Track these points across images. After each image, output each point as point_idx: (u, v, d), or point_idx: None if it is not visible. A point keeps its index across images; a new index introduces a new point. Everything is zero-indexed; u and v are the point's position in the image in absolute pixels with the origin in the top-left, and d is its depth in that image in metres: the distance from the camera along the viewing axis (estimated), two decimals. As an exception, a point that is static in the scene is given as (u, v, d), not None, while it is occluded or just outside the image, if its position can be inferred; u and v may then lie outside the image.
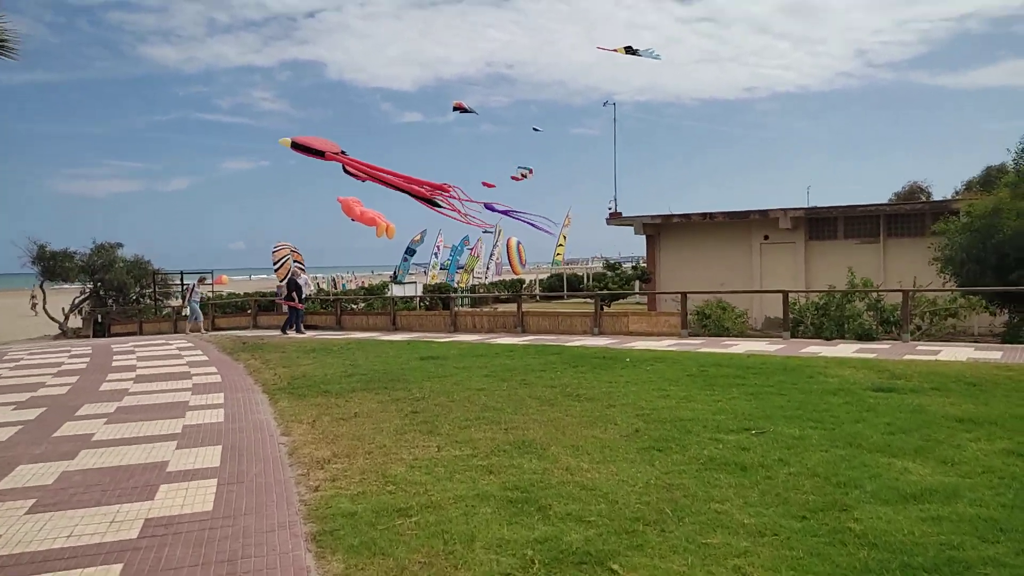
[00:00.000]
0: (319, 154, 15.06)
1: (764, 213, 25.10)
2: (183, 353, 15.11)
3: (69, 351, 16.72)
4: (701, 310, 15.69)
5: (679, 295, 15.56)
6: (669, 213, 27.22)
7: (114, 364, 13.66)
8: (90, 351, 16.59)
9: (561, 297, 45.85)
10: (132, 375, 12.01)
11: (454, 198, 16.20)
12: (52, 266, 30.28)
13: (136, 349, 16.39)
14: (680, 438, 6.42)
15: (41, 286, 31.01)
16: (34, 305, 30.60)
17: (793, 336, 14.52)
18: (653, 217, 27.33)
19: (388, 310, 20.36)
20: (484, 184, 20.72)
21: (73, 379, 11.77)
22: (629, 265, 28.94)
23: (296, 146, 15.10)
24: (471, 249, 50.96)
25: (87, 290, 31.86)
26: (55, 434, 7.62)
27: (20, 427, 8.02)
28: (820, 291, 16.00)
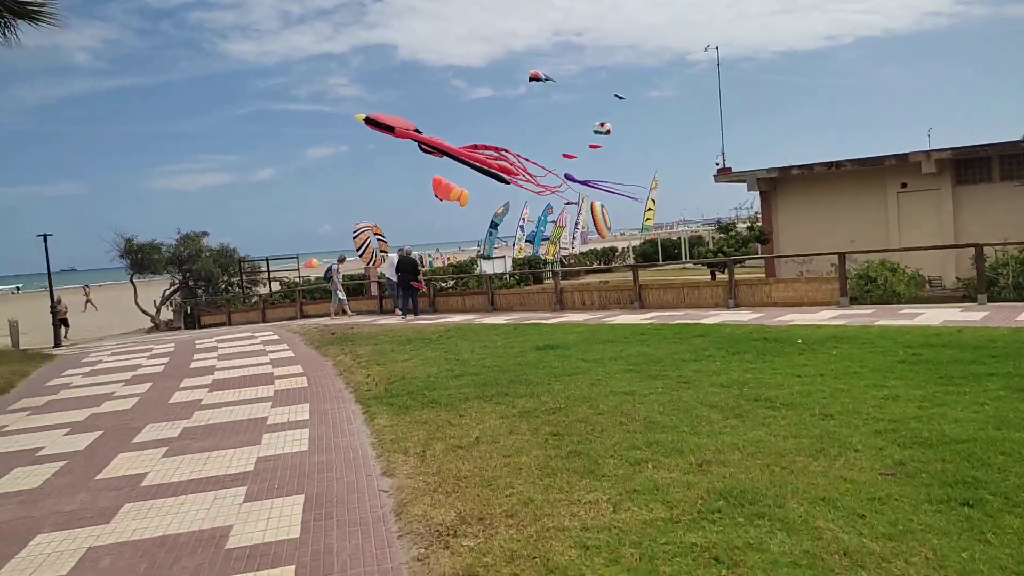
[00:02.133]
0: (389, 129, 13.54)
1: (902, 157, 21.82)
2: (267, 349, 13.60)
3: (151, 350, 15.54)
4: (863, 272, 13.06)
5: (835, 256, 12.94)
6: (787, 165, 24.22)
7: (192, 366, 12.23)
8: (172, 348, 15.35)
9: (657, 263, 43.13)
10: (209, 380, 10.47)
11: (518, 176, 14.32)
12: (140, 259, 29.82)
13: (219, 345, 15.03)
14: (989, 480, 4.14)
15: (132, 279, 30.68)
16: (87, 304, 30.25)
17: (990, 300, 11.76)
18: (769, 171, 24.39)
19: (485, 289, 18.45)
20: (564, 156, 18.45)
21: (144, 388, 10.32)
22: (744, 226, 26.06)
23: (370, 121, 13.63)
24: (555, 221, 48.78)
25: (176, 281, 31.39)
26: (99, 475, 5.96)
27: (62, 464, 6.43)
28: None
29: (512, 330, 12.82)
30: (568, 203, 46.34)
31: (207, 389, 9.70)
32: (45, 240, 26.07)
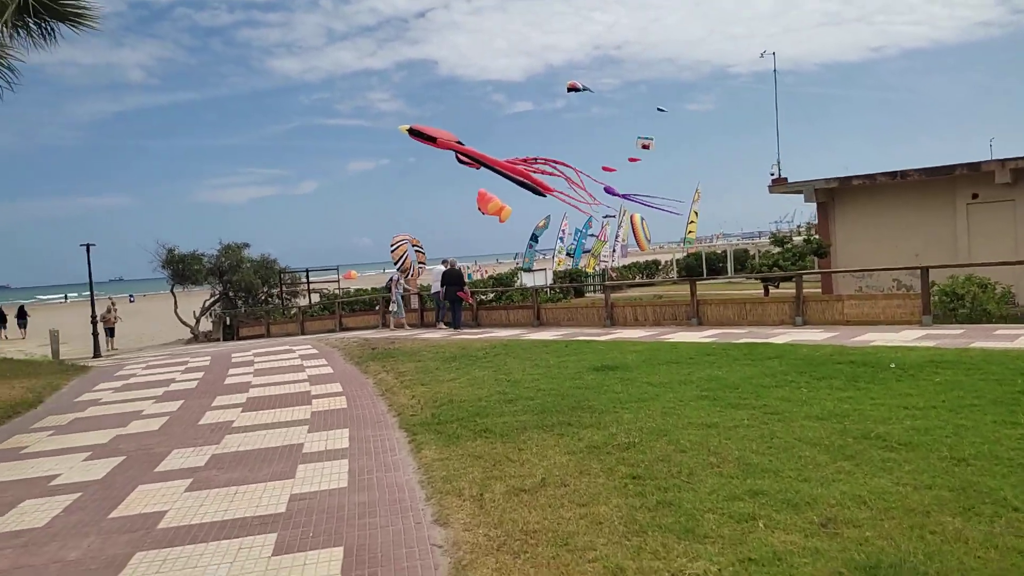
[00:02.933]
0: (432, 140, 13.45)
1: (974, 166, 20.49)
2: (305, 364, 12.97)
3: (186, 363, 15.04)
4: (947, 289, 11.95)
5: (917, 270, 11.85)
6: (847, 175, 23.04)
7: (227, 382, 11.63)
8: (208, 362, 14.83)
9: (703, 277, 41.81)
10: (243, 399, 9.83)
11: (560, 191, 14.21)
12: (181, 269, 29.68)
13: (256, 359, 14.46)
14: None
15: (172, 290, 30.57)
16: (113, 314, 30.56)
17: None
18: (828, 180, 23.24)
19: (531, 303, 17.64)
20: (604, 168, 17.85)
21: (175, 406, 9.71)
22: (800, 238, 24.91)
23: (413, 132, 13.56)
24: (597, 234, 47.83)
25: (216, 292, 31.20)
26: (114, 512, 5.27)
27: (76, 496, 5.76)
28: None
29: (563, 348, 11.99)
30: (607, 216, 45.49)
31: (240, 409, 9.05)
32: (88, 250, 26.02)
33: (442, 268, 18.12)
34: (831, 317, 12.70)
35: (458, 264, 18.24)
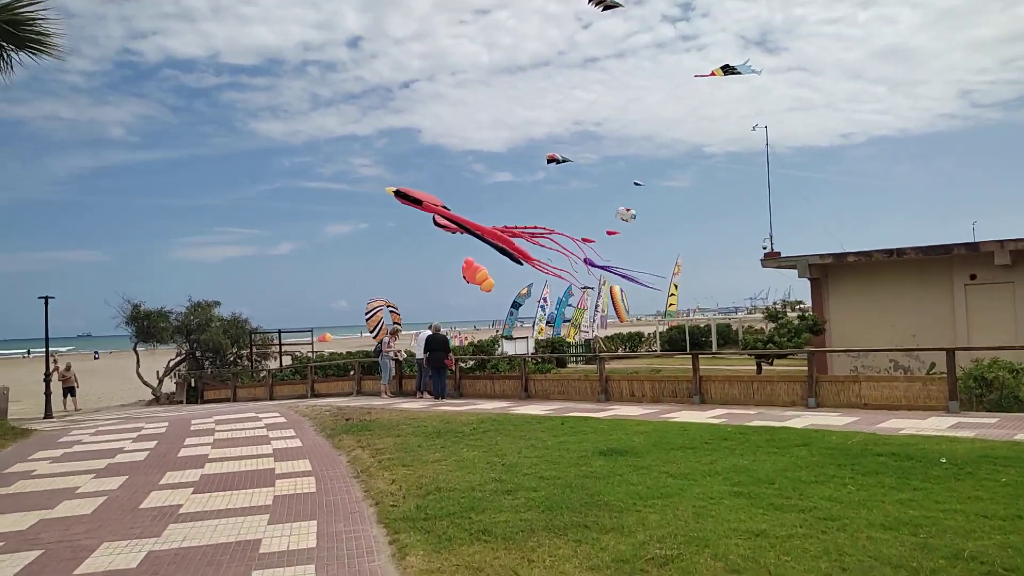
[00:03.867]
0: (417, 203, 13.03)
1: (973, 247, 20.12)
2: (271, 435, 11.71)
3: (140, 430, 13.66)
4: (974, 374, 11.10)
5: (943, 352, 10.98)
6: (842, 251, 22.55)
7: (181, 454, 10.34)
8: (163, 429, 13.48)
9: (683, 351, 40.98)
10: (196, 476, 8.58)
11: (541, 261, 14.00)
12: (146, 326, 28.23)
13: (217, 428, 13.15)
14: None
15: (135, 348, 29.02)
16: (53, 371, 27.43)
17: None
18: (822, 256, 22.74)
19: (518, 373, 16.53)
20: (583, 240, 17.37)
21: (116, 483, 8.42)
22: (794, 314, 24.25)
23: (399, 194, 13.11)
24: (573, 304, 47.13)
25: (183, 352, 29.69)
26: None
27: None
28: None
29: (559, 425, 10.88)
30: (584, 287, 44.92)
31: (191, 490, 7.80)
32: (46, 303, 24.62)
33: (427, 332, 17.06)
34: (847, 400, 11.76)
35: (443, 329, 17.21)
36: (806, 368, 12.48)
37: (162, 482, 8.33)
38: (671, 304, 53.58)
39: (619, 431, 9.98)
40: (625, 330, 52.46)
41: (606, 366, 15.12)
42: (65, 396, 27.38)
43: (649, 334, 46.85)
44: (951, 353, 10.80)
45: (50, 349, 26.21)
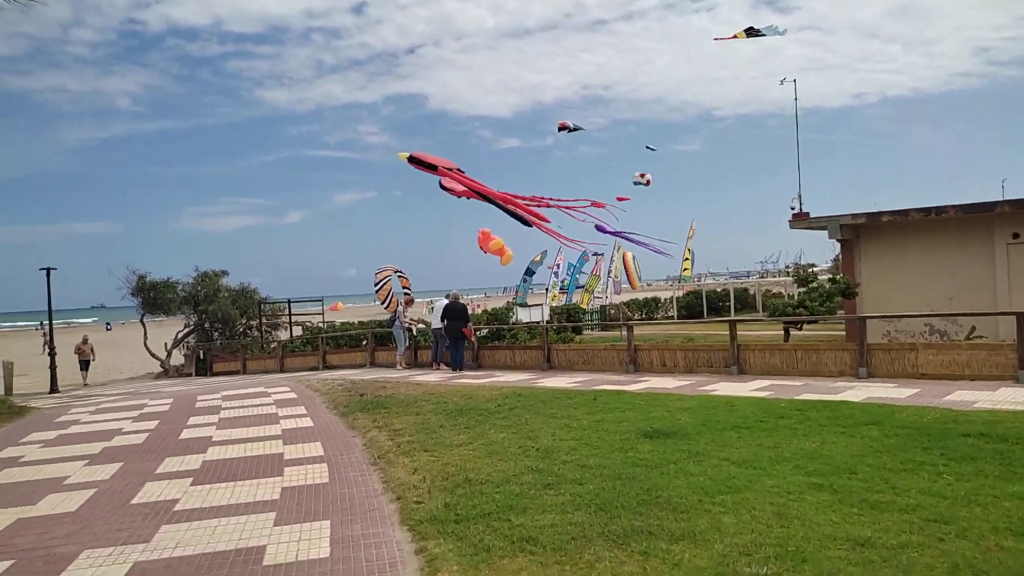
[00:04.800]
0: (432, 168, 12.61)
1: (1019, 204, 18.93)
2: (281, 414, 10.92)
3: (143, 407, 12.92)
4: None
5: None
6: (877, 211, 21.41)
7: (182, 436, 9.56)
8: (167, 407, 12.73)
9: (701, 317, 39.98)
10: (198, 462, 7.78)
11: (552, 230, 13.60)
12: (153, 297, 27.47)
13: (223, 404, 12.38)
14: None
15: (142, 320, 28.32)
16: (44, 345, 26.99)
17: None
18: (855, 216, 21.56)
19: (540, 343, 15.64)
20: (594, 204, 16.56)
21: (109, 471, 7.63)
22: (825, 277, 23.21)
23: (413, 160, 12.53)
24: (587, 271, 46.15)
25: (191, 323, 28.98)
26: None
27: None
28: None
29: (591, 400, 10.01)
30: (595, 254, 43.91)
31: (190, 480, 6.99)
32: (48, 274, 23.86)
33: (444, 301, 16.18)
34: (902, 369, 10.83)
35: (462, 297, 16.32)
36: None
37: (159, 470, 7.54)
38: (685, 269, 52.59)
39: (659, 407, 9.09)
40: (641, 296, 51.51)
41: (643, 330, 14.17)
42: (82, 369, 26.66)
43: (666, 300, 45.83)
44: (1022, 316, 9.81)
45: (68, 320, 25.53)
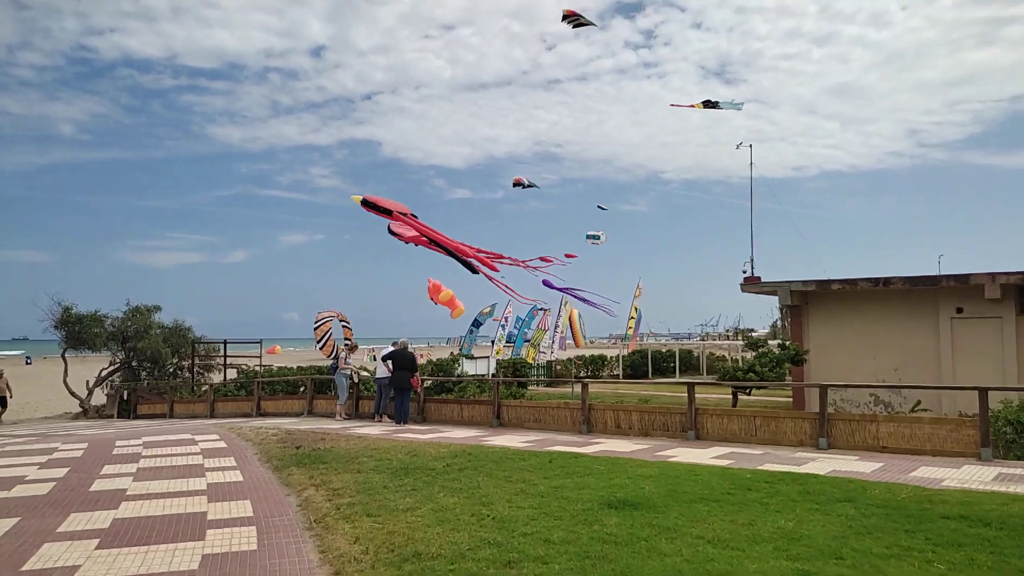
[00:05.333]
0: (387, 213, 12.41)
1: (963, 279, 19.34)
2: (207, 464, 10.01)
3: (52, 452, 11.78)
4: (1008, 416, 10.01)
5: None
6: (826, 278, 21.69)
7: (92, 488, 8.59)
8: (80, 452, 11.62)
9: (646, 378, 39.91)
10: (105, 522, 6.88)
11: (498, 281, 13.62)
12: (77, 331, 25.89)
13: (143, 452, 11.36)
14: None
15: (63, 355, 26.64)
16: (2, 385, 24.70)
17: None
18: (805, 283, 21.84)
19: (490, 398, 15.01)
20: (543, 259, 16.55)
21: (2, 528, 6.67)
22: (775, 343, 23.25)
23: (367, 203, 12.32)
24: (539, 323, 45.87)
25: (117, 360, 27.38)
26: None
27: None
28: None
29: (546, 464, 9.42)
30: (541, 308, 43.73)
31: (95, 544, 6.11)
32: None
33: (391, 348, 15.46)
34: (862, 441, 10.57)
35: (410, 346, 15.65)
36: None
37: (61, 528, 6.63)
38: (629, 328, 52.71)
39: (620, 474, 8.56)
40: (586, 352, 51.32)
41: (596, 389, 13.70)
42: None
43: (611, 358, 45.69)
44: (984, 393, 9.68)
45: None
